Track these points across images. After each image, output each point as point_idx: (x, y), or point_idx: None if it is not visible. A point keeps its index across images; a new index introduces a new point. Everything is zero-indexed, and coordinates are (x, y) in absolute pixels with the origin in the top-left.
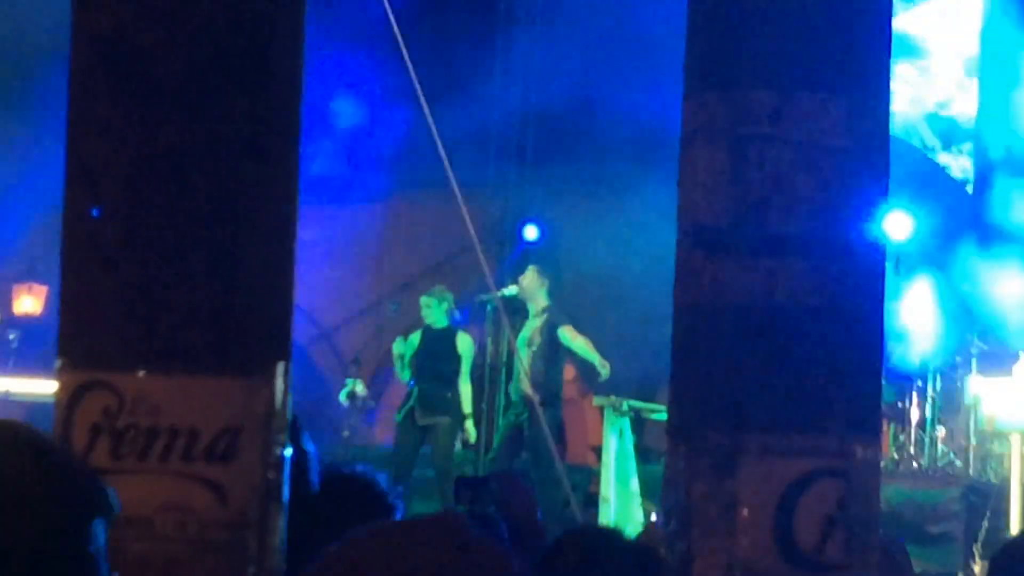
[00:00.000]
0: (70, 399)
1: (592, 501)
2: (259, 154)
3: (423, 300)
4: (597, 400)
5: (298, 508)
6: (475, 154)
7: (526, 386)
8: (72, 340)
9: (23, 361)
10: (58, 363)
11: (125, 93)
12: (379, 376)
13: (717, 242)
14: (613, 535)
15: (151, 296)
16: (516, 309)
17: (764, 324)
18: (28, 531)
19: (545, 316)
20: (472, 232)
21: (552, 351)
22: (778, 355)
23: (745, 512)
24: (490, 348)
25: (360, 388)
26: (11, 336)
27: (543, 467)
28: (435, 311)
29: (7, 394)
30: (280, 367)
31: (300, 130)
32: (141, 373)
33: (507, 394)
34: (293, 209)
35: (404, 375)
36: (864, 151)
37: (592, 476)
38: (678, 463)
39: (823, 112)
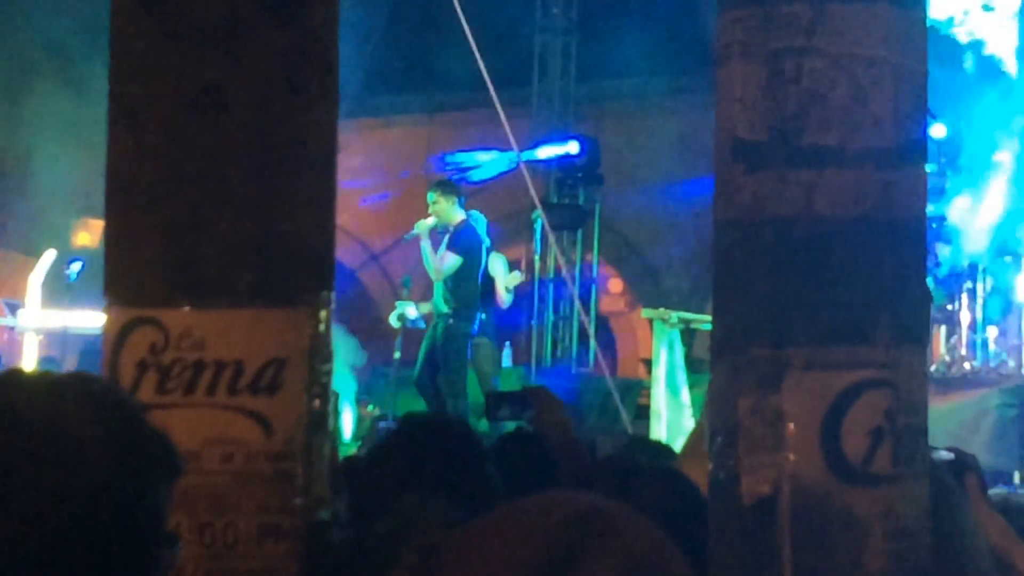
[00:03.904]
0: (117, 336)
1: (643, 414)
2: (298, 88)
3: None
4: (646, 313)
5: (382, 457)
6: (519, 71)
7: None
8: (117, 278)
9: (81, 295)
10: (105, 300)
11: (164, 32)
12: (428, 295)
13: (756, 156)
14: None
15: (193, 232)
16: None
17: (805, 237)
18: (92, 491)
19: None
20: (516, 151)
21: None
22: (820, 267)
23: (791, 426)
24: (538, 264)
25: (410, 310)
26: (68, 271)
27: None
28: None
29: (66, 329)
30: (323, 297)
31: (338, 63)
32: (186, 308)
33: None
34: (333, 141)
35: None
36: (901, 59)
37: (643, 389)
38: (722, 379)
39: (858, 22)
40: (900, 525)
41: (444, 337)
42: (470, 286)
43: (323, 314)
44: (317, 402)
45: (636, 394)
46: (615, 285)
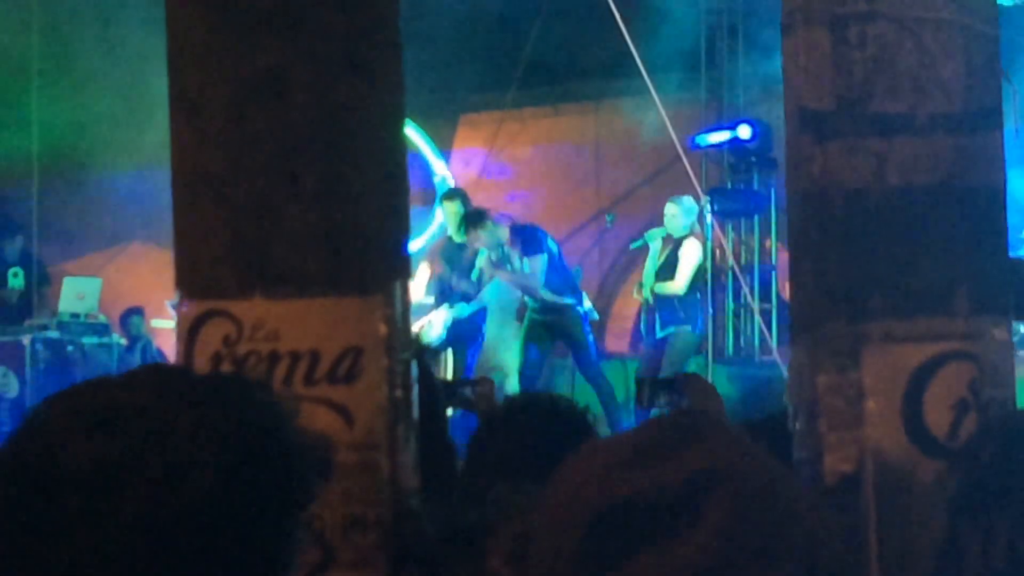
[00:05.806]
0: (190, 329)
1: None
2: (360, 71)
3: (667, 208)
4: None
5: (489, 432)
6: (687, 55)
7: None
8: (188, 270)
9: None
10: (176, 294)
11: (220, 18)
12: (604, 287)
13: (824, 126)
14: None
15: (261, 221)
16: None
17: (878, 207)
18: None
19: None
20: (676, 141)
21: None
22: (894, 238)
23: (872, 402)
24: (713, 252)
25: (584, 300)
26: None
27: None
28: (675, 220)
29: None
30: (398, 284)
31: (400, 44)
32: (257, 299)
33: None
34: (399, 125)
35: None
36: (969, 22)
37: None
38: (801, 356)
39: None
40: None
41: (579, 330)
42: (565, 270)
43: (399, 302)
44: (399, 391)
45: None
46: None
